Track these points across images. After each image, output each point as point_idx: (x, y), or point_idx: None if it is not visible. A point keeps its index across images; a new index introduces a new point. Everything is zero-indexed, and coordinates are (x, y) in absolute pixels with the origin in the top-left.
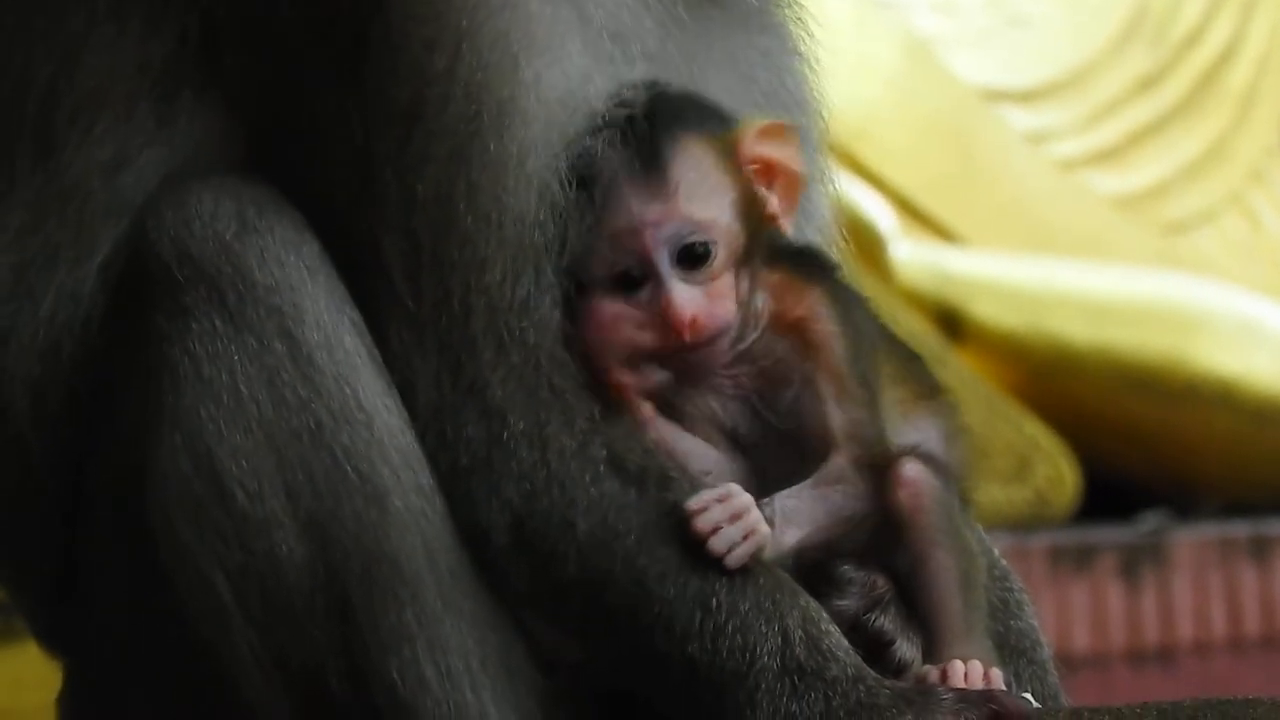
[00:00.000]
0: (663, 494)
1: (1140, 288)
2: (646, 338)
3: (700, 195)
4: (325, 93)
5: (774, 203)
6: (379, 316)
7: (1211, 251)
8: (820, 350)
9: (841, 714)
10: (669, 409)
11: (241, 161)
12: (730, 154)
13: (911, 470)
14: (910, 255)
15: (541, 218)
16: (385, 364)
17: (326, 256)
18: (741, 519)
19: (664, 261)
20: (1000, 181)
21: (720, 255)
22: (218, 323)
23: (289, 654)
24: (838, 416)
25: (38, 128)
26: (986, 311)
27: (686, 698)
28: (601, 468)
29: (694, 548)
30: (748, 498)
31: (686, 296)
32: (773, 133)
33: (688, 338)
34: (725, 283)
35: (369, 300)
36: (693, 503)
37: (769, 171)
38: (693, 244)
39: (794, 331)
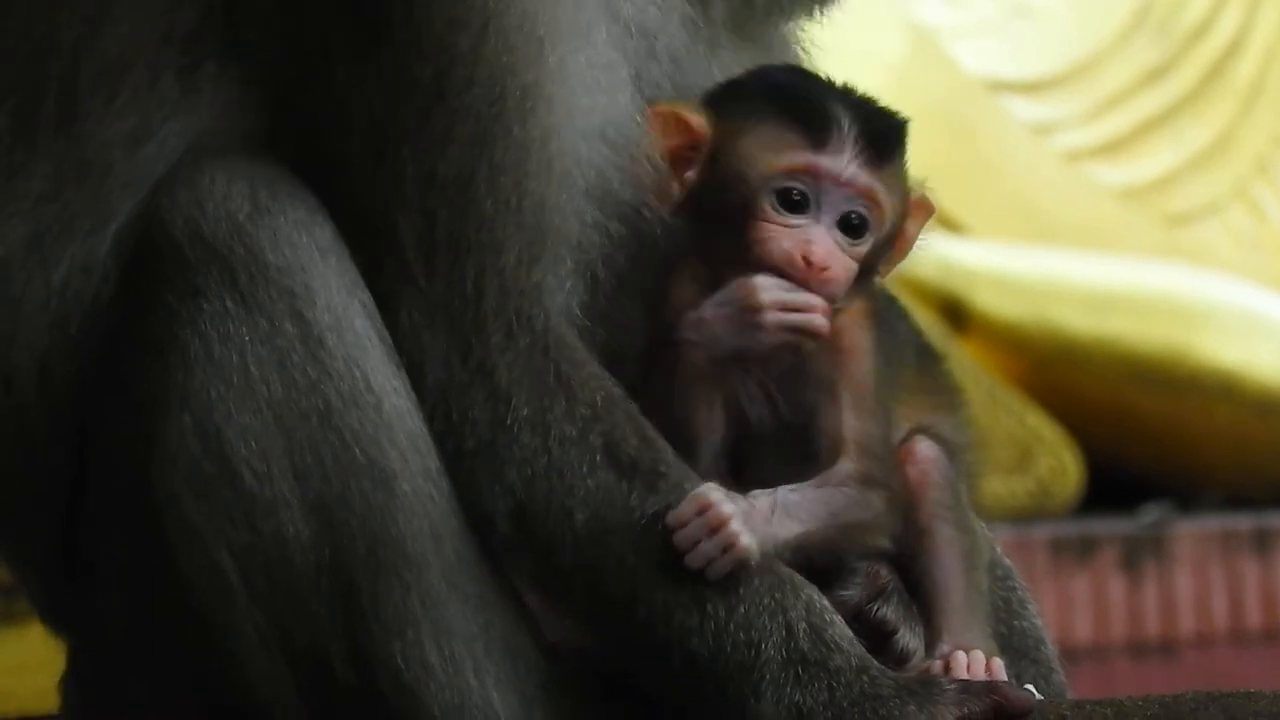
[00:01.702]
0: (649, 494)
1: (1144, 279)
2: (777, 254)
3: (889, 197)
4: (345, 67)
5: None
6: (390, 295)
7: (1216, 243)
8: (849, 357)
9: (845, 704)
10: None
11: (262, 135)
12: (906, 201)
13: (923, 447)
14: None
15: (560, 203)
16: (395, 345)
17: (339, 238)
18: (720, 532)
19: (830, 212)
20: (1004, 172)
21: (864, 248)
22: (229, 304)
23: (293, 635)
24: (852, 426)
25: (60, 96)
26: (989, 302)
27: (688, 687)
28: (598, 457)
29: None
30: (729, 507)
31: (831, 247)
32: (922, 209)
33: (813, 279)
34: (847, 270)
35: (380, 278)
36: (671, 517)
37: (900, 237)
38: (859, 215)
39: (830, 335)
